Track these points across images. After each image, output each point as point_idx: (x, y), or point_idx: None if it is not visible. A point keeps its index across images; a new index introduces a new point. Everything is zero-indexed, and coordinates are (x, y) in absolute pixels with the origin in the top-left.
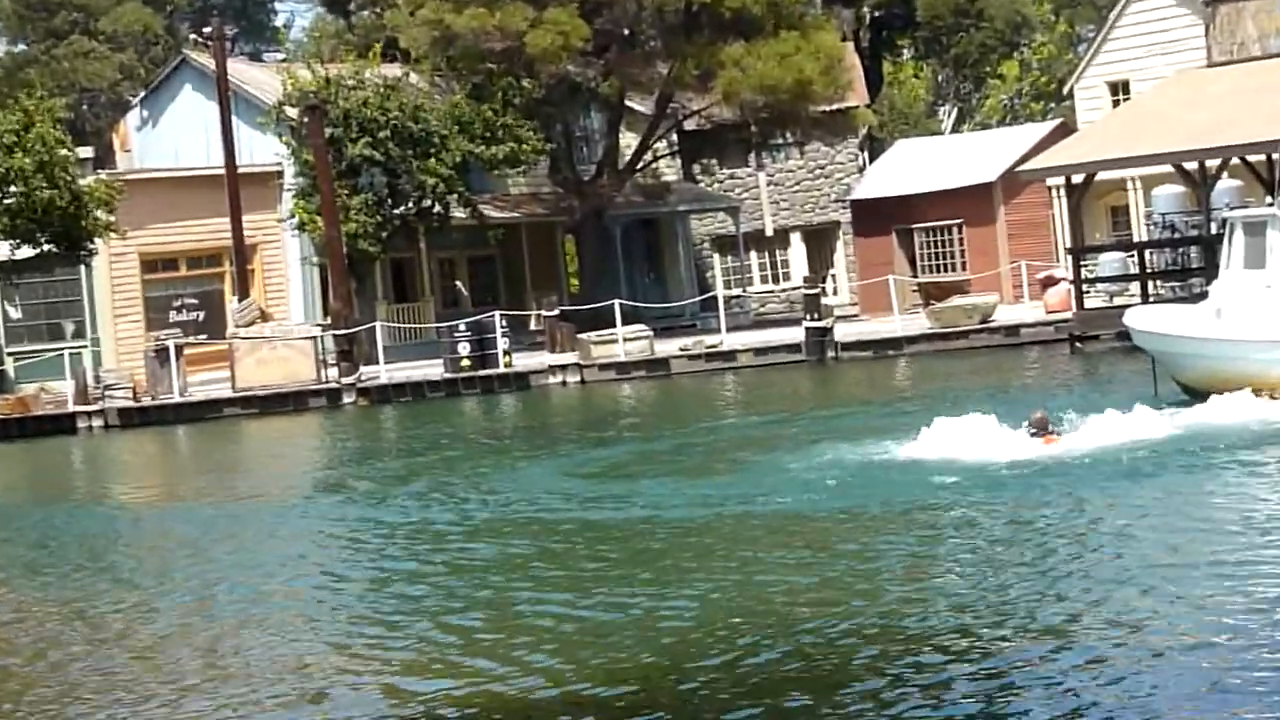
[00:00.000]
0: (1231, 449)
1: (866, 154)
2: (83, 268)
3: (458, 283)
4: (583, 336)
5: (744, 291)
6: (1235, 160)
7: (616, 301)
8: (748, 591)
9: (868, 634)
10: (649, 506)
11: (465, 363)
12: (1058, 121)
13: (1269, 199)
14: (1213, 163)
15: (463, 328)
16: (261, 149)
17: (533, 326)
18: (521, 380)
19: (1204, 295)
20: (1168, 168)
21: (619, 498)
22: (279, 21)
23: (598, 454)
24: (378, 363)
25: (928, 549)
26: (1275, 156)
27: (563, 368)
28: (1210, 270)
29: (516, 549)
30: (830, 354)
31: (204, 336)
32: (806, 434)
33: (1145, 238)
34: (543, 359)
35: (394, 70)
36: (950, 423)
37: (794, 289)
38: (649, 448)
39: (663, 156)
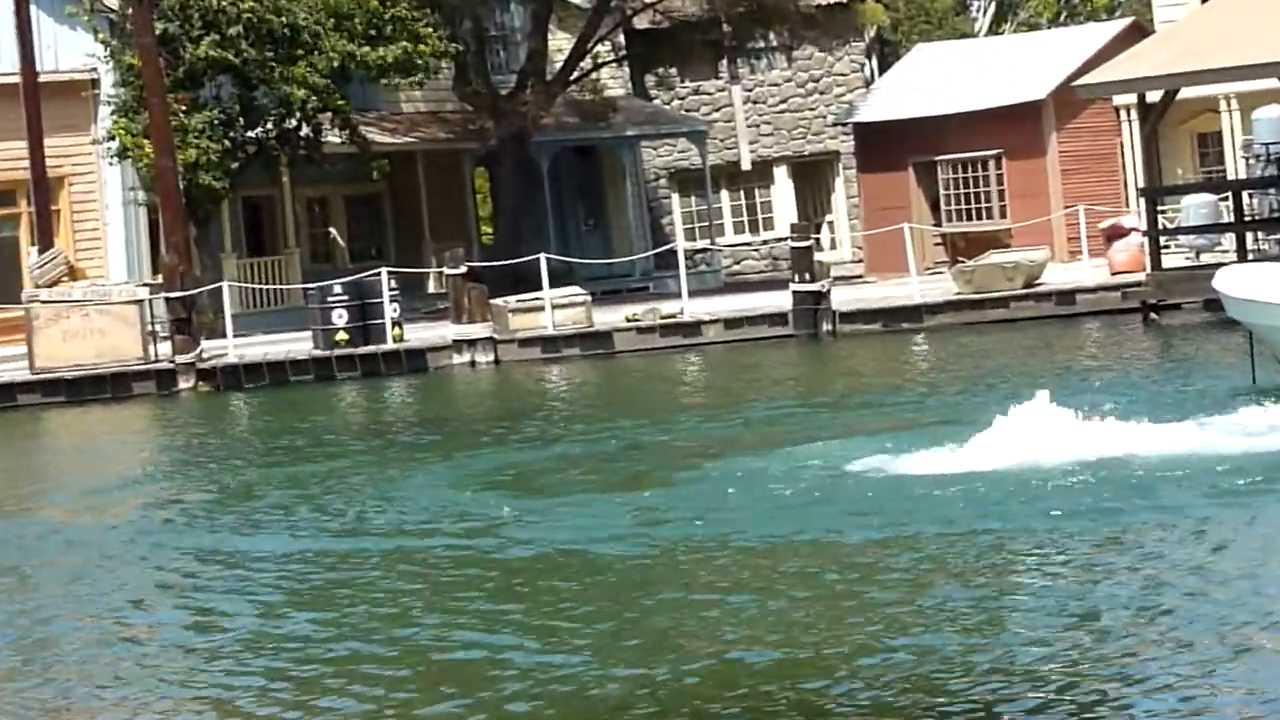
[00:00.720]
0: None
1: (875, 63)
2: None
3: (332, 230)
4: (498, 302)
5: (712, 244)
6: None
7: (543, 256)
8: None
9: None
10: (567, 530)
11: (341, 336)
12: (1128, 21)
13: None
14: None
15: (338, 290)
16: (70, 50)
17: (432, 289)
18: (416, 360)
19: None
20: (1273, 82)
21: (529, 518)
22: None
23: (508, 459)
24: (225, 336)
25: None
26: None
27: (471, 344)
28: None
29: (379, 587)
30: (826, 327)
31: None
32: (793, 432)
33: (1244, 175)
34: (445, 332)
35: None
36: (1018, 419)
37: (779, 241)
38: (577, 451)
39: (606, 64)
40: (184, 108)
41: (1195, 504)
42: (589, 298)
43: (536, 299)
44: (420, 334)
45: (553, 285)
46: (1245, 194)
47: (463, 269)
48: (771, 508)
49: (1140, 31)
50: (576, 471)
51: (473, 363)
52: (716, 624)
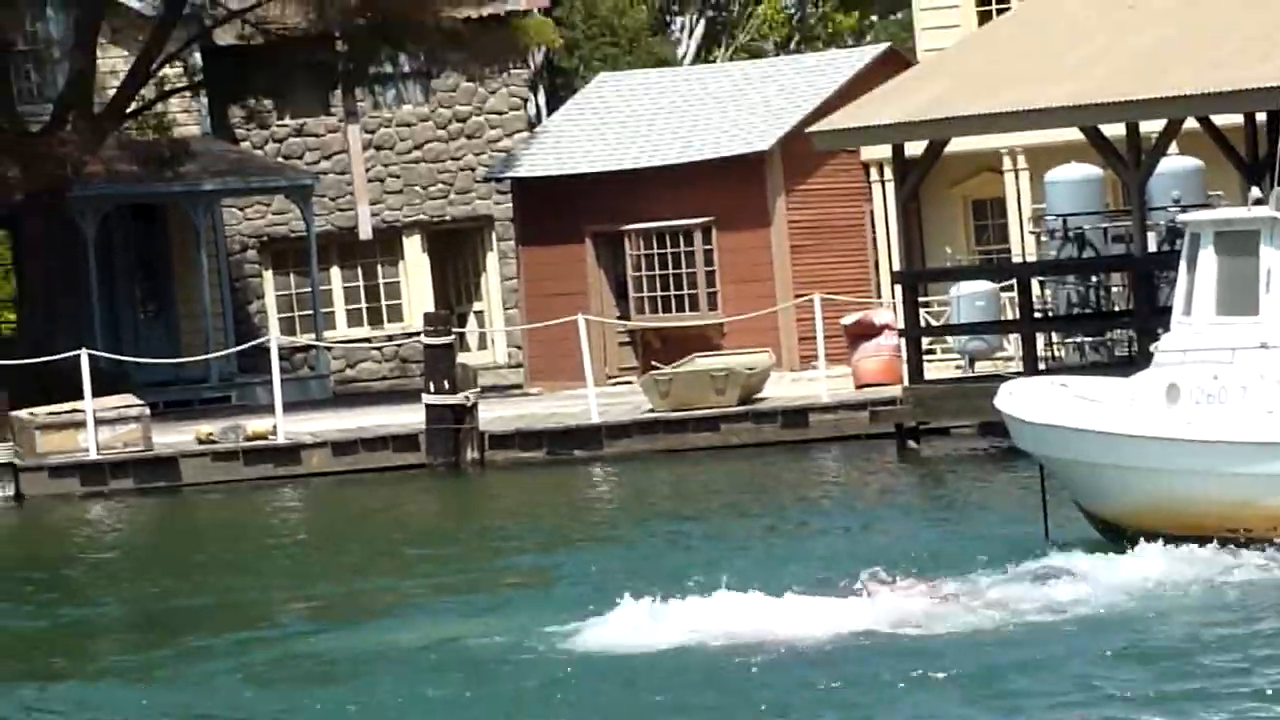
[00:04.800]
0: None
1: (542, 98)
2: None
3: None
4: (21, 415)
5: (318, 339)
6: (1191, 122)
7: (85, 353)
8: None
9: None
10: None
11: None
12: (882, 48)
13: (1254, 190)
14: (1151, 125)
15: None
16: None
17: None
18: None
19: (1138, 360)
20: (1073, 132)
21: None
22: None
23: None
24: None
25: None
26: (1261, 117)
27: None
28: (1150, 316)
29: None
30: (471, 454)
31: None
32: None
33: (1033, 256)
34: None
35: None
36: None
37: (408, 337)
38: (101, 614)
39: (177, 91)
40: None
41: None
42: (147, 411)
43: (75, 411)
44: None
45: (97, 393)
46: (1035, 282)
47: None
48: None
49: (899, 62)
50: (80, 647)
51: None
52: None
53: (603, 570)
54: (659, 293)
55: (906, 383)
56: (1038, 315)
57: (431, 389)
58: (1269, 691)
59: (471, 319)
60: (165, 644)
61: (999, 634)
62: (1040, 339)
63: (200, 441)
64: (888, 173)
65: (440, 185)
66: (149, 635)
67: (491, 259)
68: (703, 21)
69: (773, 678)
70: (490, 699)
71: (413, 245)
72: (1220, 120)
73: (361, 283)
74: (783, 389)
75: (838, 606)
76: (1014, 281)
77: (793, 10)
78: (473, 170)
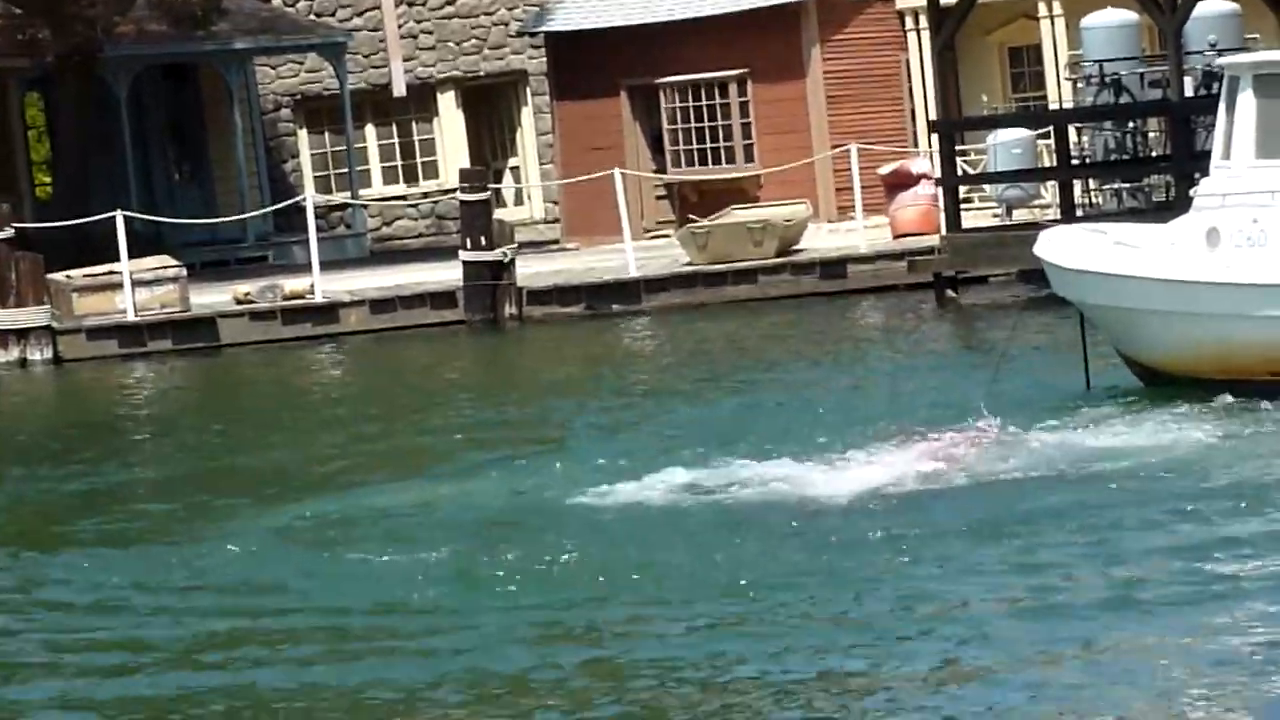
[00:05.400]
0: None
1: None
2: None
3: None
4: (58, 277)
5: (354, 198)
6: None
7: (120, 214)
8: None
9: None
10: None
11: None
12: None
13: None
14: None
15: None
16: None
17: None
18: None
19: (1176, 205)
20: None
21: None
22: None
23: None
24: None
25: None
26: None
27: (21, 335)
28: (1187, 161)
29: None
30: (509, 310)
31: None
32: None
33: (1070, 103)
34: None
35: None
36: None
37: (444, 194)
38: (150, 476)
39: None
40: None
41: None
42: (184, 271)
43: (111, 273)
44: None
45: (133, 255)
46: (1072, 129)
47: (8, 232)
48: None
49: None
50: (122, 510)
51: (23, 361)
52: None
53: (646, 427)
54: (695, 146)
55: (944, 232)
56: (1075, 162)
57: (468, 245)
58: None
59: (507, 175)
60: (199, 505)
61: (1040, 482)
62: (1078, 186)
63: (238, 301)
64: (923, 21)
65: (474, 40)
66: (186, 496)
67: (526, 114)
68: None
69: (810, 531)
70: (512, 555)
71: (447, 101)
72: None
73: (396, 140)
74: (820, 240)
75: (880, 462)
76: (1051, 129)
77: None
78: (506, 25)
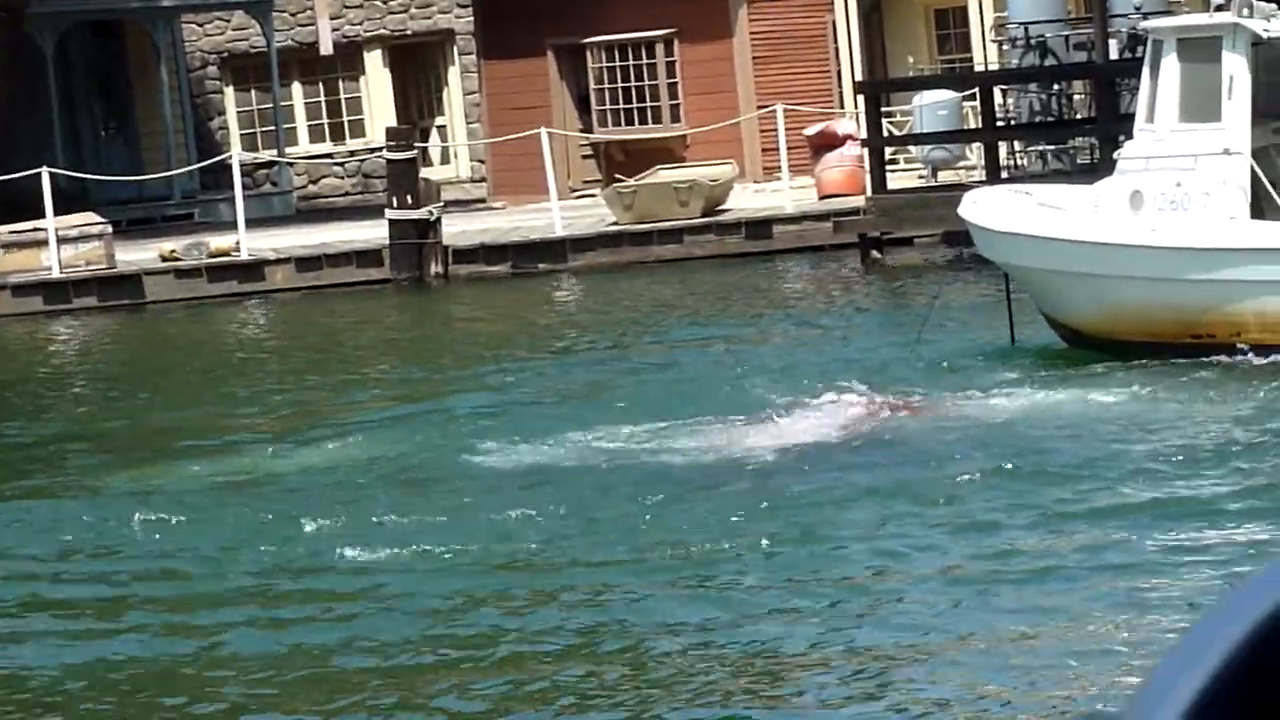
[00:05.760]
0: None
1: None
2: None
3: None
4: None
5: (281, 155)
6: None
7: (46, 171)
8: None
9: None
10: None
11: None
12: None
13: None
14: None
15: None
16: None
17: None
18: None
19: (1100, 168)
20: None
21: None
22: None
23: None
24: None
25: None
26: None
27: None
28: (1112, 124)
29: None
30: (435, 269)
31: None
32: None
33: (995, 64)
34: None
35: None
36: None
37: (371, 153)
38: (56, 434)
39: None
40: None
41: None
42: (110, 229)
43: (36, 229)
44: None
45: (59, 212)
46: (998, 90)
47: None
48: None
49: None
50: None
51: None
52: None
53: (559, 385)
54: (621, 105)
55: (869, 193)
56: (1000, 124)
57: (395, 204)
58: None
59: (434, 134)
60: (118, 460)
61: (961, 442)
62: (1003, 147)
63: (163, 259)
64: None
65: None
66: (107, 452)
67: (453, 73)
68: None
69: (731, 492)
70: (422, 511)
71: (374, 60)
72: None
73: (323, 98)
74: (746, 200)
75: (802, 421)
76: (976, 90)
77: None
78: None
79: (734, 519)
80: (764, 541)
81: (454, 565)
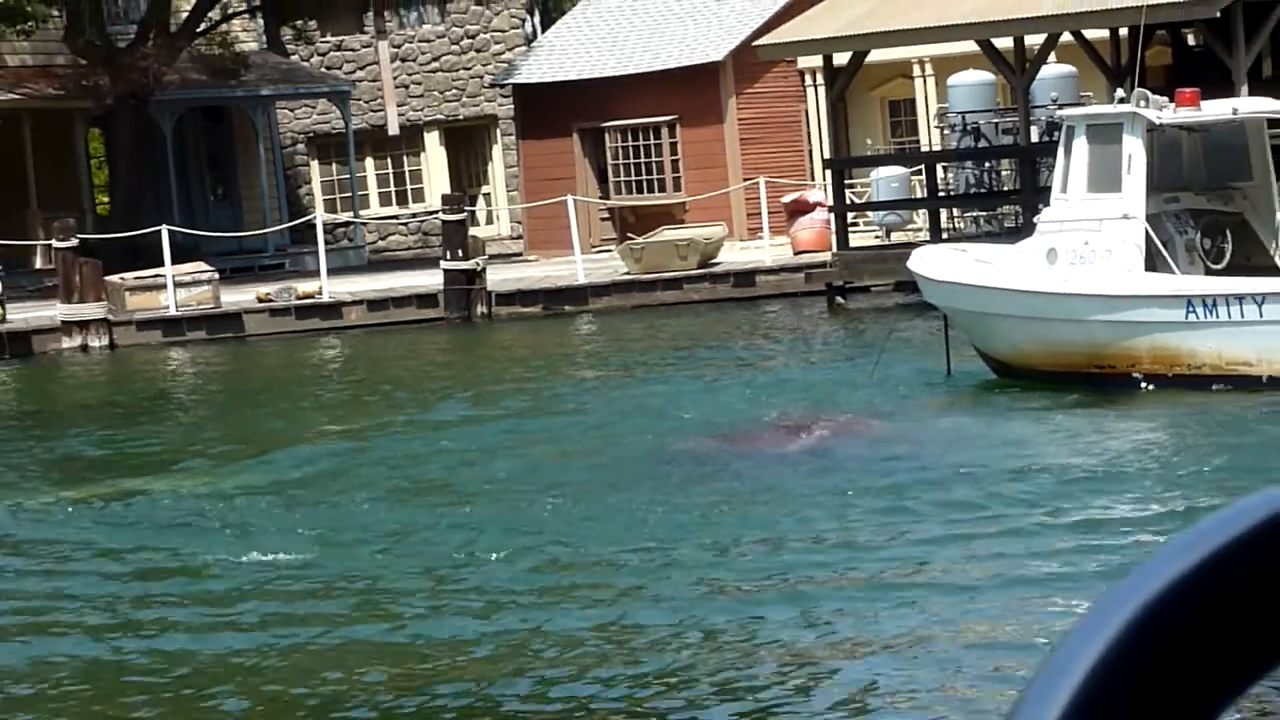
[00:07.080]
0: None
1: (537, 18)
2: None
3: None
4: (114, 279)
5: (355, 217)
6: (1067, 36)
7: (165, 228)
8: None
9: None
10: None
11: None
12: None
13: (1118, 91)
14: (1034, 39)
15: None
16: None
17: (39, 264)
18: (20, 344)
19: (1023, 230)
20: (970, 45)
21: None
22: None
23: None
24: None
25: None
26: (1124, 31)
27: (83, 326)
28: (1033, 195)
29: None
30: (480, 310)
31: None
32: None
33: (938, 146)
34: (53, 313)
35: None
36: None
37: (429, 214)
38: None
39: (238, 14)
40: None
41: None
42: (216, 275)
43: (157, 276)
44: (25, 315)
45: (175, 261)
46: (940, 167)
47: (73, 242)
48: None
49: None
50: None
51: (84, 347)
52: None
53: (576, 401)
54: (633, 178)
55: (835, 249)
56: (941, 194)
57: (448, 256)
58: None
59: (480, 200)
60: (228, 456)
61: (899, 460)
62: (944, 214)
63: (260, 300)
64: (820, 78)
65: (454, 90)
66: (211, 457)
67: (496, 151)
68: None
69: (683, 496)
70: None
71: (432, 139)
72: (1090, 34)
73: (390, 170)
74: (734, 255)
75: (771, 434)
76: (922, 167)
77: None
78: (481, 78)
79: (688, 517)
80: (726, 541)
81: (449, 554)
